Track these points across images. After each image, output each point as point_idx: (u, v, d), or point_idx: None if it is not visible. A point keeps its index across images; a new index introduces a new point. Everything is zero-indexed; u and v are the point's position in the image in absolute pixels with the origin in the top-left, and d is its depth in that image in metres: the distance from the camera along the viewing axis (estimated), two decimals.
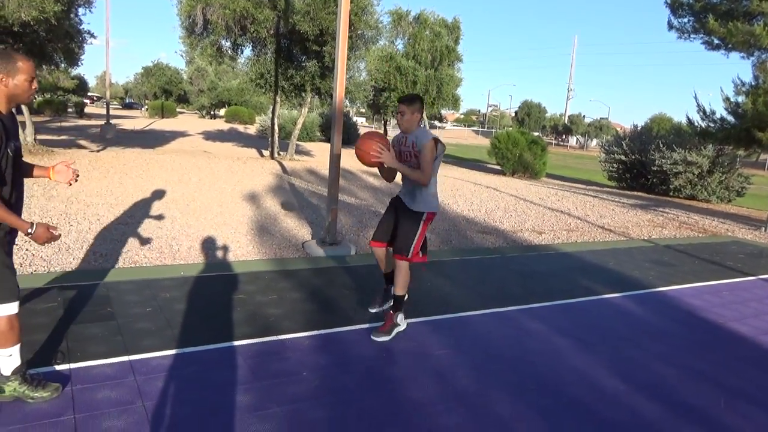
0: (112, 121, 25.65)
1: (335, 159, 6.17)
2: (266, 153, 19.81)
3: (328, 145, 27.79)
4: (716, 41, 14.01)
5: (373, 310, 4.07)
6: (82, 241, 5.77)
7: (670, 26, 14.94)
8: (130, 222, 6.71)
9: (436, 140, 3.69)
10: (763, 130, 12.80)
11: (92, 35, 11.54)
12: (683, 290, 5.75)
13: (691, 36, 14.68)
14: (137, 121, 40.44)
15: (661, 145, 16.39)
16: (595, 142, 77.12)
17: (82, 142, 18.97)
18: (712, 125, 16.65)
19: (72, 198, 7.63)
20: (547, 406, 3.08)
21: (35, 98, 47.95)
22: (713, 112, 16.63)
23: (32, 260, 5.05)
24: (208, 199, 8.57)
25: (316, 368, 3.33)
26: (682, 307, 5.16)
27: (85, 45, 11.38)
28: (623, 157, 17.92)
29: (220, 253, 5.86)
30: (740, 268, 6.97)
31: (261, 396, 2.96)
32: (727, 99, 14.74)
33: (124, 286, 4.50)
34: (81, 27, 11.12)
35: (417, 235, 3.80)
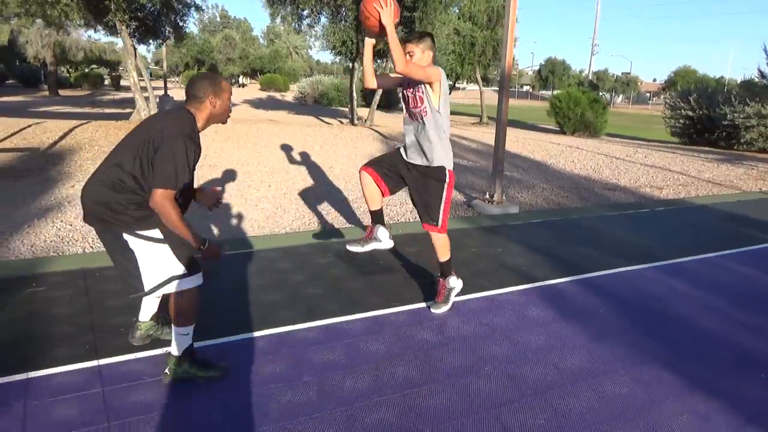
0: (159, 93, 25.96)
1: (503, 124, 6.54)
2: (329, 120, 20.14)
3: (379, 112, 27.55)
4: None
5: (353, 249, 3.58)
6: (276, 206, 6.26)
7: None
8: (305, 189, 7.19)
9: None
10: None
11: (199, 8, 11.86)
12: None
13: None
14: (173, 91, 40.70)
15: (733, 100, 16.47)
16: (621, 98, 76.19)
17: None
18: None
19: (232, 167, 8.13)
20: None
21: (71, 72, 48.14)
22: None
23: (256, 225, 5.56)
24: (342, 164, 9.01)
25: (571, 314, 3.78)
26: None
27: (188, 19, 11.70)
28: (690, 113, 18.01)
29: (401, 214, 6.31)
30: None
31: (494, 330, 3.43)
32: None
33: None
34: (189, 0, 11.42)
35: (443, 200, 3.42)
